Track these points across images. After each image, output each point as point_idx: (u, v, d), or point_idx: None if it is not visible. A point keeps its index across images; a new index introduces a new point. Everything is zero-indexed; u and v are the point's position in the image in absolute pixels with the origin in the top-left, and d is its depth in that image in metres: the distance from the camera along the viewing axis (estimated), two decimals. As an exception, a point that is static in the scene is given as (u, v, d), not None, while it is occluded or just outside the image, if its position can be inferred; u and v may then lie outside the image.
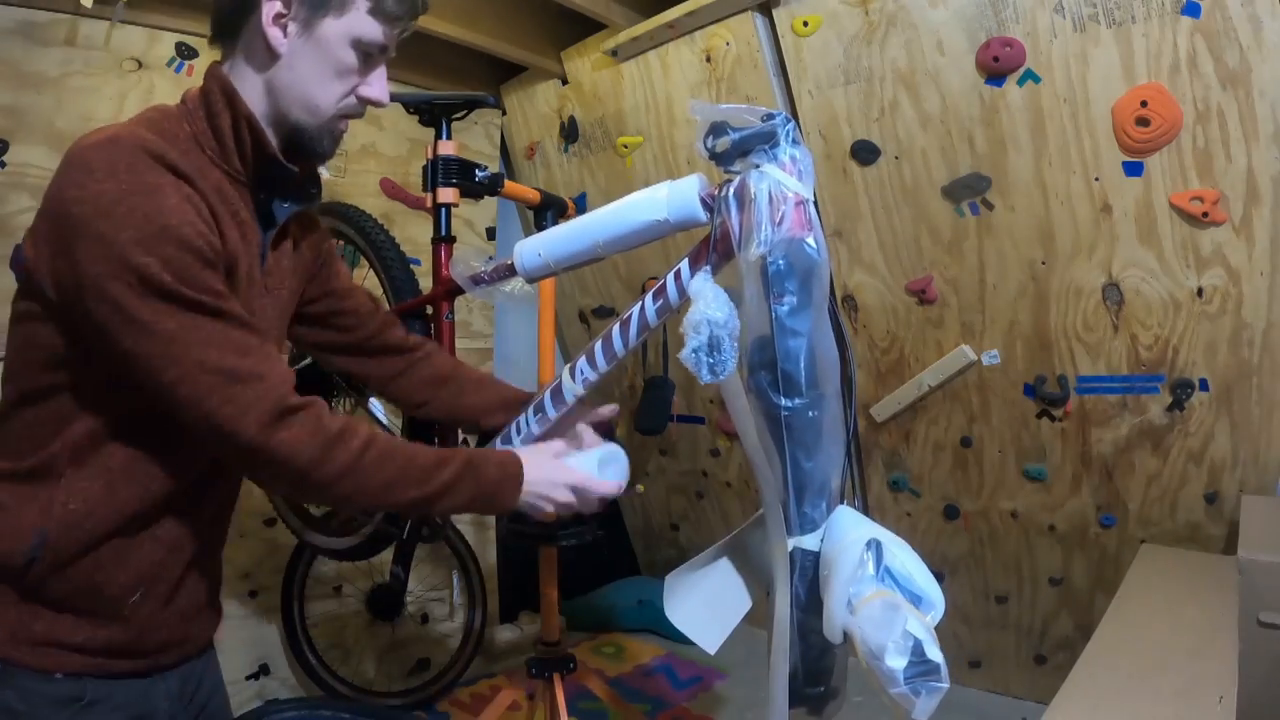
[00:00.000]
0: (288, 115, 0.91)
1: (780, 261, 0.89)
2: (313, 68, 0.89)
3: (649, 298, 1.11)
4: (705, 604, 1.08)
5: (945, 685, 0.75)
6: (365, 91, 0.93)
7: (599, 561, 3.01)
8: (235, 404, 0.79)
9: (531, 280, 1.23)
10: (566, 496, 1.02)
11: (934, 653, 0.76)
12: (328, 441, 0.83)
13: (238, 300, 0.85)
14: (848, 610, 0.81)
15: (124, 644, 0.88)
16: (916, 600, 0.82)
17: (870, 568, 0.83)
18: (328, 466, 0.83)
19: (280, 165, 0.92)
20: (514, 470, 0.99)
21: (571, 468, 1.04)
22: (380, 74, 0.95)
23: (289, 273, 1.03)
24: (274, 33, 0.86)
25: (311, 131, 0.92)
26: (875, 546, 0.84)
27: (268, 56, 0.88)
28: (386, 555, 1.82)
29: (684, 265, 1.06)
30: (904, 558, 0.85)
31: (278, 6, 0.86)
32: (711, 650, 1.07)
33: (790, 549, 0.93)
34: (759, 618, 1.01)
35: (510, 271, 1.21)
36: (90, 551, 0.85)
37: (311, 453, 0.82)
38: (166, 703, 0.93)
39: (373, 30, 0.90)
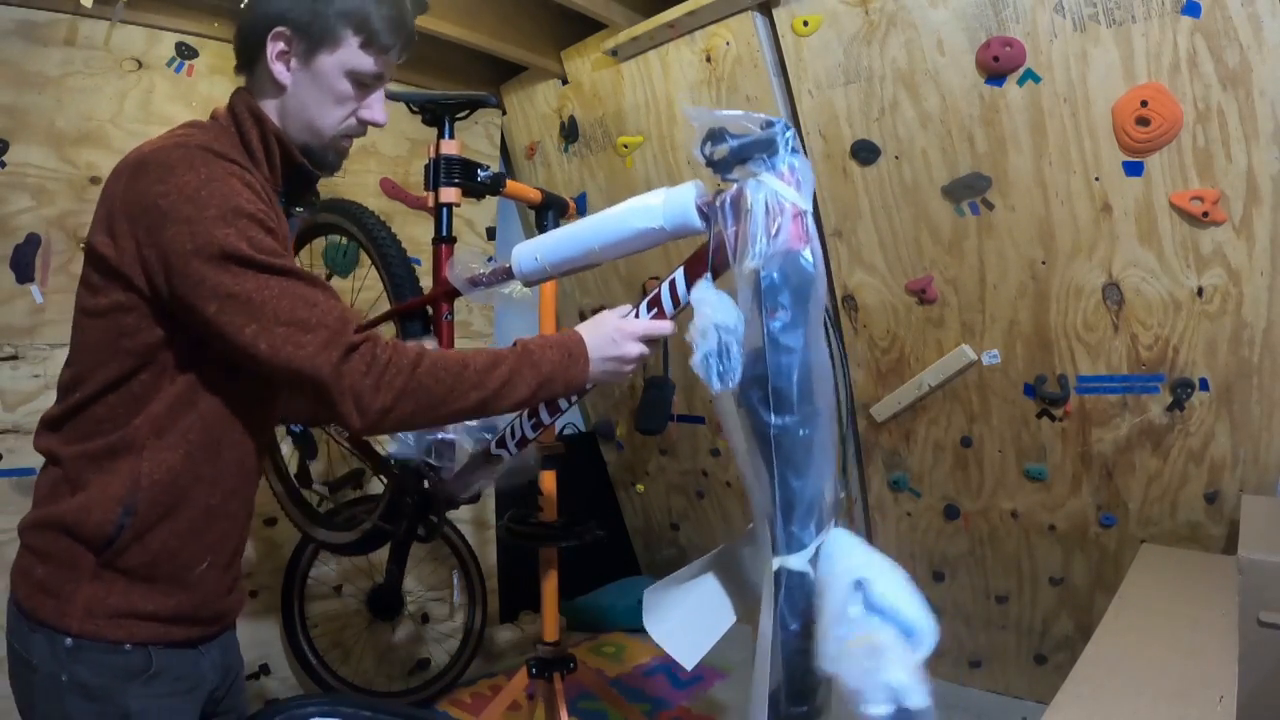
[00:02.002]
0: (296, 137, 1.03)
1: (774, 275, 0.88)
2: (314, 97, 1.01)
3: (643, 307, 1.10)
4: (686, 619, 1.07)
5: None
6: (364, 115, 1.05)
7: (599, 561, 3.01)
8: (307, 349, 0.87)
9: (529, 284, 1.23)
10: (638, 349, 1.05)
11: (918, 700, 0.75)
12: (381, 369, 0.90)
13: None
14: (835, 649, 0.80)
15: (189, 611, 0.96)
16: (907, 633, 0.80)
17: (856, 608, 0.81)
18: (385, 393, 0.90)
19: (306, 170, 1.04)
20: (575, 346, 1.02)
21: (629, 321, 1.06)
22: (378, 97, 1.06)
23: None
24: (278, 68, 0.99)
25: (316, 151, 1.05)
26: (862, 585, 0.82)
27: (275, 88, 1.00)
28: (385, 555, 1.82)
29: (679, 275, 1.06)
30: (893, 589, 0.82)
31: (281, 45, 0.98)
32: (689, 666, 1.06)
33: (776, 568, 0.92)
34: (752, 621, 1.01)
35: (508, 275, 1.21)
36: (169, 520, 0.93)
37: (370, 382, 0.89)
38: (212, 672, 1.01)
39: (365, 62, 1.01)
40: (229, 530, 1.00)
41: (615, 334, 1.04)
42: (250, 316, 0.87)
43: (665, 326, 1.06)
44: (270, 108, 1.01)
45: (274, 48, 0.98)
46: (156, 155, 0.89)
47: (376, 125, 1.08)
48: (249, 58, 1.01)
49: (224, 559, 1.00)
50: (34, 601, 0.91)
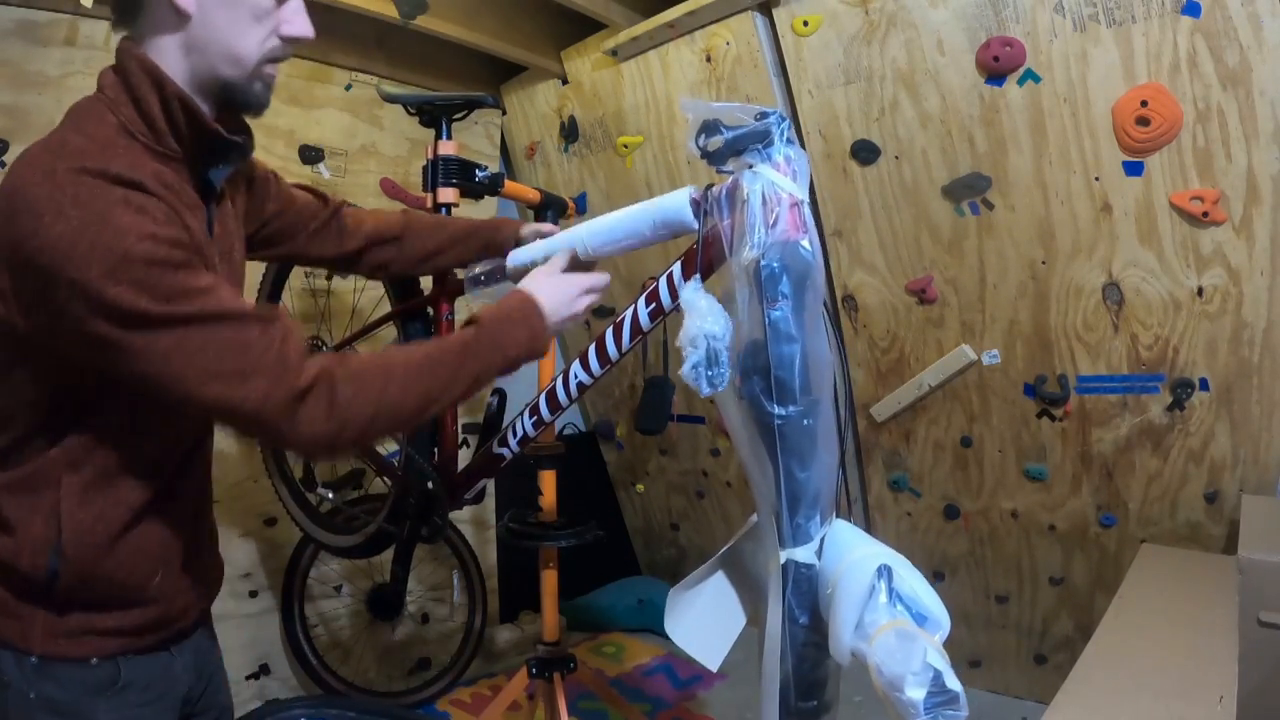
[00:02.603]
0: (213, 73, 0.86)
1: (774, 264, 0.88)
2: (228, 18, 0.84)
3: (641, 301, 1.11)
4: (704, 620, 1.07)
5: (964, 714, 0.76)
6: (287, 30, 0.89)
7: (599, 561, 3.00)
8: (250, 401, 0.79)
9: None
10: (587, 300, 1.10)
11: (953, 682, 0.76)
12: (345, 407, 0.84)
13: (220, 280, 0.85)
14: (858, 637, 0.81)
15: (154, 619, 0.92)
16: (922, 620, 0.81)
17: (883, 595, 0.82)
18: (352, 427, 0.85)
19: (221, 137, 0.88)
20: (534, 316, 1.03)
21: (573, 276, 1.11)
22: (297, 6, 0.90)
23: (234, 231, 1.01)
24: None
25: (241, 84, 0.88)
26: (886, 573, 0.83)
27: (178, 20, 0.83)
28: (386, 555, 1.82)
29: (676, 269, 1.06)
30: (909, 578, 0.84)
31: None
32: (713, 668, 1.07)
33: (784, 561, 0.92)
34: (758, 618, 1.01)
35: (504, 274, 1.24)
36: (104, 554, 0.87)
37: (333, 427, 0.83)
38: (185, 674, 0.98)
39: None
40: (174, 537, 0.94)
41: (566, 290, 1.07)
42: (176, 379, 0.77)
43: (603, 279, 1.14)
44: (171, 52, 0.84)
45: None
46: (21, 193, 0.75)
47: (303, 41, 0.91)
48: None
49: (178, 562, 0.95)
50: None
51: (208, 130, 0.87)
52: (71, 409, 0.84)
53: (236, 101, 0.89)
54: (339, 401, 0.83)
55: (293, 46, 0.91)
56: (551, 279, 1.10)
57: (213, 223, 0.93)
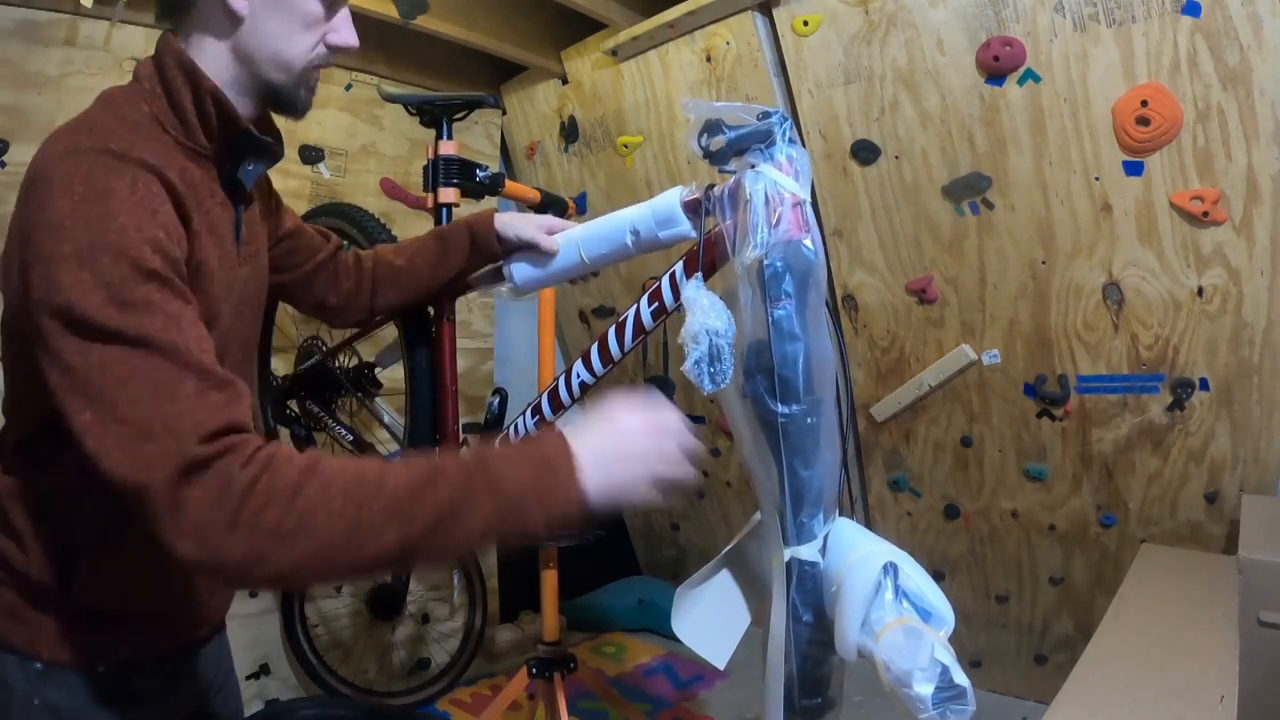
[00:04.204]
0: (261, 77, 0.87)
1: (778, 264, 0.88)
2: (279, 24, 0.85)
3: (644, 301, 1.11)
4: (710, 618, 1.08)
5: (972, 708, 0.76)
6: (334, 39, 0.90)
7: (599, 561, 3.01)
8: (138, 460, 0.64)
9: (521, 294, 1.25)
10: (663, 474, 0.73)
11: (960, 677, 0.76)
12: (239, 499, 0.63)
13: (198, 297, 0.77)
14: (865, 634, 0.81)
15: (166, 629, 0.91)
16: (926, 616, 0.82)
17: (889, 593, 0.82)
18: (245, 535, 0.63)
19: (252, 135, 0.88)
20: (558, 453, 0.70)
21: (640, 414, 0.74)
22: (345, 18, 0.91)
23: (261, 235, 1.02)
24: None
25: (288, 88, 0.89)
26: (892, 570, 0.83)
27: (229, 22, 0.84)
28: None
29: (679, 268, 1.07)
30: (914, 575, 0.85)
31: None
32: (720, 666, 1.07)
33: (787, 559, 0.92)
34: (761, 618, 1.01)
35: (498, 276, 1.25)
36: (118, 561, 0.85)
37: (221, 517, 0.63)
38: (196, 684, 0.97)
39: None
40: None
41: (632, 435, 0.72)
42: (87, 401, 0.66)
43: (695, 445, 0.76)
44: (215, 51, 0.84)
45: None
46: (43, 169, 0.73)
47: (349, 50, 0.91)
48: None
49: (188, 577, 0.91)
50: (3, 627, 0.84)
51: (239, 128, 0.86)
52: None
53: (282, 104, 0.90)
54: (236, 483, 0.63)
55: (336, 55, 0.91)
56: (614, 419, 0.74)
57: (240, 225, 0.93)
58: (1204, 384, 1.74)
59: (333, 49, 0.90)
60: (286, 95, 0.89)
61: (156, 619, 0.90)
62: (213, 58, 0.85)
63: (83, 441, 0.66)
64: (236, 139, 0.87)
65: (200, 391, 0.67)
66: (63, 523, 0.82)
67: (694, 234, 1.04)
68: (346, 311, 1.25)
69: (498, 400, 1.56)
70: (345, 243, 1.28)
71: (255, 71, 0.86)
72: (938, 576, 2.29)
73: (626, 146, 2.44)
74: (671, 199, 1.05)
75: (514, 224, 1.23)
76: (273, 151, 0.93)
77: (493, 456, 0.70)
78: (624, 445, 0.73)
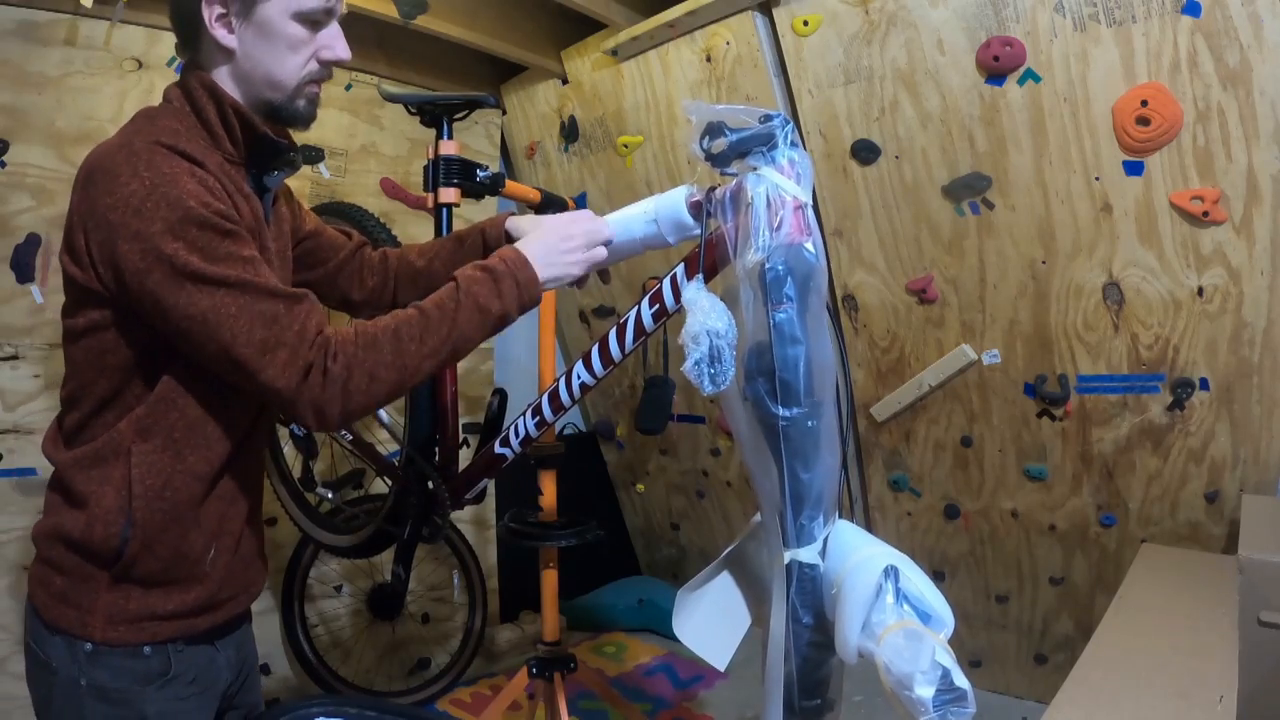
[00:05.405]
0: (259, 96, 0.96)
1: (779, 267, 0.89)
2: (265, 51, 0.94)
3: (645, 303, 1.11)
4: (711, 620, 1.08)
5: (972, 710, 0.76)
6: (325, 55, 0.98)
7: (599, 561, 3.01)
8: (268, 371, 0.86)
9: None
10: (585, 262, 1.05)
11: (961, 680, 0.77)
12: (340, 378, 0.89)
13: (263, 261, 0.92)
14: (865, 637, 0.82)
15: (205, 601, 0.97)
16: (926, 619, 0.82)
17: (890, 596, 0.83)
18: (349, 397, 0.89)
19: (272, 140, 0.98)
20: (518, 265, 1.00)
21: (571, 228, 1.06)
22: (334, 33, 0.98)
23: (286, 235, 1.11)
24: (220, 33, 0.92)
25: (285, 104, 0.98)
26: (893, 573, 0.84)
27: (224, 54, 0.94)
28: (387, 555, 1.82)
29: (680, 270, 1.07)
30: (914, 577, 0.85)
31: (217, 9, 0.92)
32: (720, 667, 1.07)
33: (788, 561, 0.92)
34: (762, 618, 1.01)
35: None
36: (171, 522, 0.92)
37: (331, 393, 0.88)
38: (227, 670, 1.03)
39: (309, 1, 0.94)
40: (228, 514, 0.99)
41: (560, 244, 1.04)
42: (209, 337, 0.85)
43: (603, 233, 1.08)
44: (224, 77, 0.95)
45: (210, 12, 0.91)
46: (102, 161, 0.86)
47: (341, 63, 1.00)
48: (190, 32, 0.95)
49: (230, 542, 1.00)
50: (54, 612, 0.91)
51: (260, 135, 0.96)
52: (144, 378, 0.91)
53: (283, 119, 0.99)
54: (333, 372, 0.88)
55: (330, 68, 1.00)
56: (550, 229, 1.07)
57: (269, 220, 1.01)
58: (1204, 384, 1.74)
59: (325, 64, 0.99)
60: (285, 111, 0.98)
61: (201, 583, 0.96)
62: (222, 81, 0.95)
63: (217, 366, 0.87)
64: (259, 144, 0.97)
65: (290, 310, 0.88)
66: (122, 484, 0.90)
67: (696, 226, 1.04)
68: (371, 307, 1.30)
69: (497, 400, 1.56)
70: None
71: (254, 92, 0.96)
72: (938, 576, 2.30)
73: (626, 146, 2.44)
74: (677, 199, 1.04)
75: (523, 225, 1.26)
76: (292, 158, 1.03)
77: (475, 284, 0.97)
78: (555, 243, 1.04)
